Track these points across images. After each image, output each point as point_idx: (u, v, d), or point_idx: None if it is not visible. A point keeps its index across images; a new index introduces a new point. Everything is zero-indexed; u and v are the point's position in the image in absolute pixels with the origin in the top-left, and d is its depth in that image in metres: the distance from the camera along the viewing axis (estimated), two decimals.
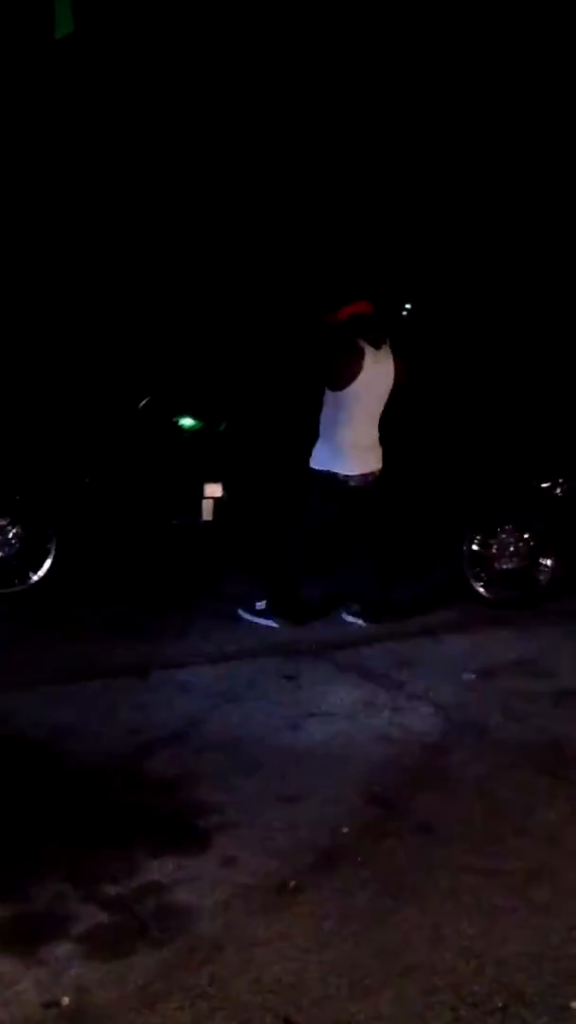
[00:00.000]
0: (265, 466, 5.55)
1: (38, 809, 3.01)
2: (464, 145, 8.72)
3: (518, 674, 4.41)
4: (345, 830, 2.93)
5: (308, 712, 3.85)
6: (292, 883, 2.63)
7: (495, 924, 2.48)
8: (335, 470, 4.72)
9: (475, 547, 5.38)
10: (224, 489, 5.47)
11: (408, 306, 5.09)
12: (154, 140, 8.66)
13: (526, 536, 5.44)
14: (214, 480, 5.46)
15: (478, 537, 5.38)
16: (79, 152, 8.58)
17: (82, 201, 8.67)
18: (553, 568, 5.43)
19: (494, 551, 5.42)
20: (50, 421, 5.73)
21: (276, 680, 4.21)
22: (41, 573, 5.18)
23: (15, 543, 5.18)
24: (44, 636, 4.66)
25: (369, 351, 4.65)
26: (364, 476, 4.77)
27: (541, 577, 5.43)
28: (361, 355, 4.62)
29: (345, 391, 4.64)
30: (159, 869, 2.68)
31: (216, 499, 5.48)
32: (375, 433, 4.81)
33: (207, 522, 5.48)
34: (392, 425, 4.88)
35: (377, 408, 4.78)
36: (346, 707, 3.92)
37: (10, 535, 5.17)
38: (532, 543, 5.43)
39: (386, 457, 4.87)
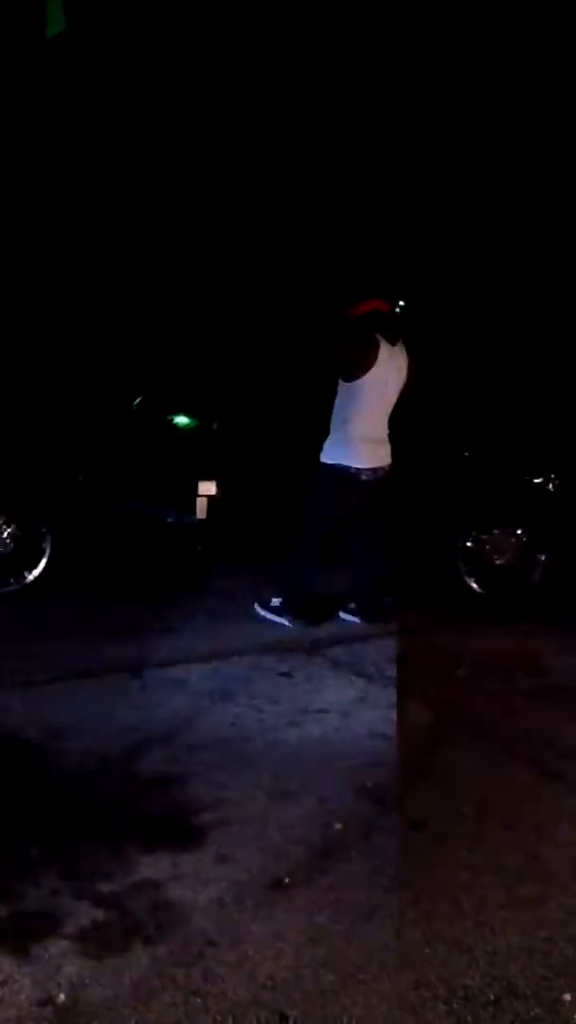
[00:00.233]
0: (259, 464, 5.56)
1: (31, 807, 3.02)
2: (474, 150, 8.72)
3: (511, 671, 4.43)
4: (338, 826, 2.94)
5: (302, 709, 3.86)
6: (286, 879, 2.64)
7: (487, 918, 2.50)
8: (347, 463, 4.75)
9: (469, 543, 5.40)
10: (218, 487, 5.48)
11: (402, 303, 5.11)
12: (149, 135, 8.65)
13: (519, 532, 5.46)
14: (208, 478, 5.47)
15: (472, 533, 5.40)
16: (74, 150, 8.57)
17: (77, 201, 8.66)
18: (546, 564, 5.45)
19: (488, 547, 5.44)
20: (45, 420, 5.73)
21: (270, 678, 4.22)
22: (36, 572, 5.18)
23: (10, 542, 5.18)
24: (38, 634, 4.67)
25: (384, 345, 4.71)
26: (374, 470, 4.80)
27: (535, 573, 5.46)
28: (376, 348, 4.68)
29: (358, 383, 4.69)
30: (153, 866, 2.69)
31: (210, 497, 5.49)
32: (385, 428, 4.85)
33: (201, 520, 5.49)
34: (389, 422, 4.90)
35: (388, 403, 4.82)
36: (340, 704, 3.94)
37: (4, 534, 5.16)
38: (525, 539, 5.45)
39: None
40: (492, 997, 2.19)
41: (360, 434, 4.74)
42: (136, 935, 2.38)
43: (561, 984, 2.24)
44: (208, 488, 5.48)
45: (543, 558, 5.45)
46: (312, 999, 2.18)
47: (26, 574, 5.17)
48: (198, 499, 5.49)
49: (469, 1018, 2.13)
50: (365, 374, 4.68)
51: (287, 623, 4.86)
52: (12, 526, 5.17)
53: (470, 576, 5.39)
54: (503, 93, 8.49)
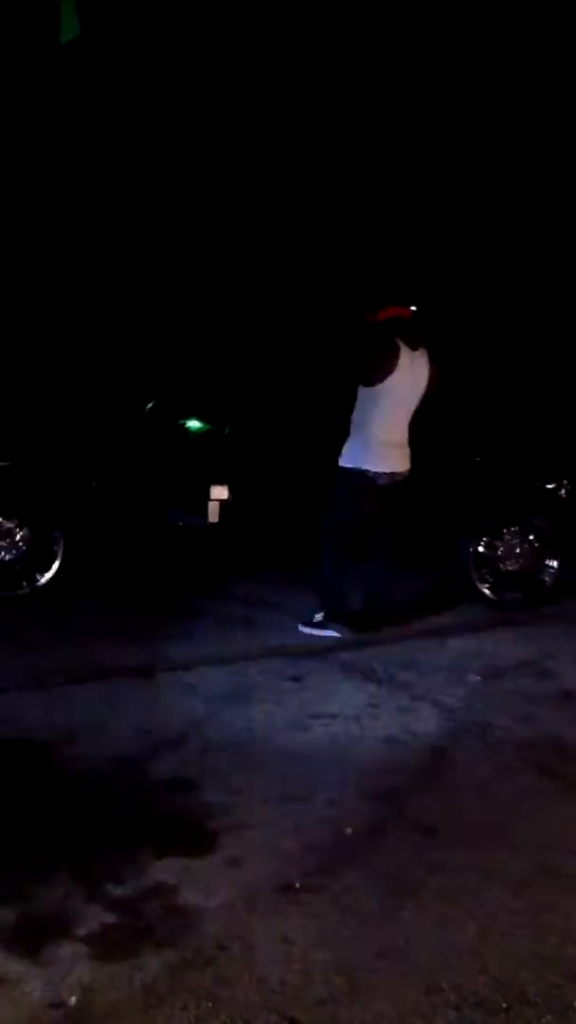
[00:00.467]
0: (271, 468, 5.57)
1: (44, 810, 3.03)
2: (494, 155, 8.72)
3: (522, 676, 4.42)
4: (349, 831, 2.94)
5: (313, 713, 3.87)
6: (296, 883, 2.65)
7: (498, 924, 2.49)
8: (365, 467, 4.75)
9: (480, 548, 5.39)
10: (230, 491, 5.50)
11: (413, 308, 5.12)
12: (164, 140, 8.68)
13: (531, 538, 5.45)
14: (220, 482, 5.49)
15: (483, 539, 5.39)
16: (87, 156, 8.61)
17: (91, 208, 8.70)
18: (558, 569, 5.44)
19: (499, 552, 5.43)
20: (57, 424, 5.75)
21: (281, 682, 4.22)
22: (48, 575, 5.21)
23: (22, 546, 5.20)
24: (51, 638, 4.69)
25: (406, 351, 4.72)
26: (393, 475, 4.80)
27: (546, 578, 5.45)
28: (397, 353, 4.70)
29: (379, 387, 4.70)
30: (164, 870, 2.69)
31: (222, 501, 5.50)
32: (405, 433, 4.85)
33: (213, 524, 5.50)
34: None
35: (409, 408, 4.82)
36: (350, 709, 3.94)
37: (17, 538, 5.19)
38: (537, 544, 5.44)
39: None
40: (503, 1004, 2.19)
41: (379, 438, 4.75)
42: (147, 939, 2.39)
43: (573, 991, 2.23)
44: (220, 492, 5.49)
45: (555, 563, 5.44)
46: (322, 1004, 2.18)
47: (39, 577, 5.20)
48: (210, 503, 5.50)
49: None
50: (385, 379, 4.69)
51: (336, 634, 4.82)
52: (25, 529, 5.20)
53: (481, 581, 5.38)
54: (518, 99, 8.48)
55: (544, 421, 5.95)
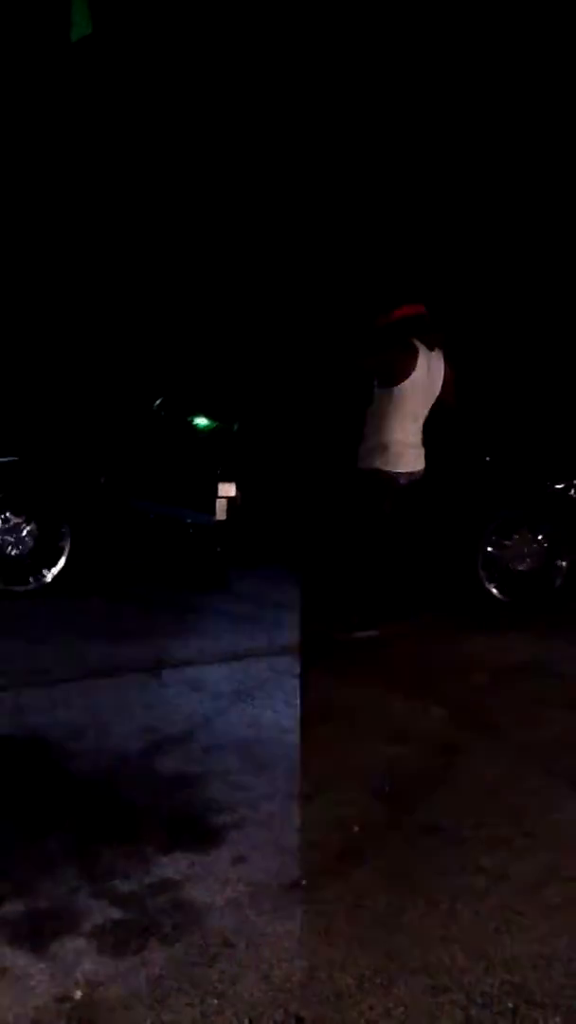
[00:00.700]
0: (279, 465, 5.56)
1: (50, 806, 3.03)
2: (500, 157, 8.70)
3: (531, 676, 4.40)
4: (355, 829, 2.94)
5: (319, 711, 3.86)
6: (303, 881, 2.64)
7: (505, 925, 2.48)
8: (381, 467, 4.74)
9: (489, 548, 5.37)
10: (238, 489, 5.49)
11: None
12: (173, 137, 8.69)
13: (540, 538, 5.43)
14: (228, 479, 5.48)
15: (493, 539, 5.37)
16: (97, 154, 8.62)
17: (100, 205, 8.70)
18: (567, 570, 5.42)
19: (508, 553, 5.41)
20: (65, 420, 5.75)
21: (288, 679, 4.21)
22: (55, 571, 5.21)
23: (30, 541, 5.21)
24: (57, 634, 4.69)
25: (423, 351, 4.71)
26: (409, 475, 4.79)
27: (555, 579, 5.43)
28: (415, 354, 4.67)
29: (396, 388, 4.68)
30: (170, 866, 2.69)
31: (230, 499, 5.49)
32: (420, 434, 4.83)
33: (220, 521, 5.49)
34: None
35: (424, 408, 4.80)
36: (357, 707, 3.92)
37: (24, 533, 5.20)
38: (546, 545, 5.43)
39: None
40: (510, 1005, 2.18)
41: (395, 438, 4.73)
42: (153, 934, 2.39)
43: None
44: (228, 489, 5.48)
45: (564, 564, 5.41)
46: (328, 1001, 2.17)
47: (45, 573, 5.20)
48: (217, 500, 5.49)
49: None
50: (404, 381, 4.67)
51: (375, 633, 4.80)
52: (32, 525, 5.20)
53: (490, 581, 5.36)
54: (525, 100, 8.46)
55: (554, 421, 5.93)
